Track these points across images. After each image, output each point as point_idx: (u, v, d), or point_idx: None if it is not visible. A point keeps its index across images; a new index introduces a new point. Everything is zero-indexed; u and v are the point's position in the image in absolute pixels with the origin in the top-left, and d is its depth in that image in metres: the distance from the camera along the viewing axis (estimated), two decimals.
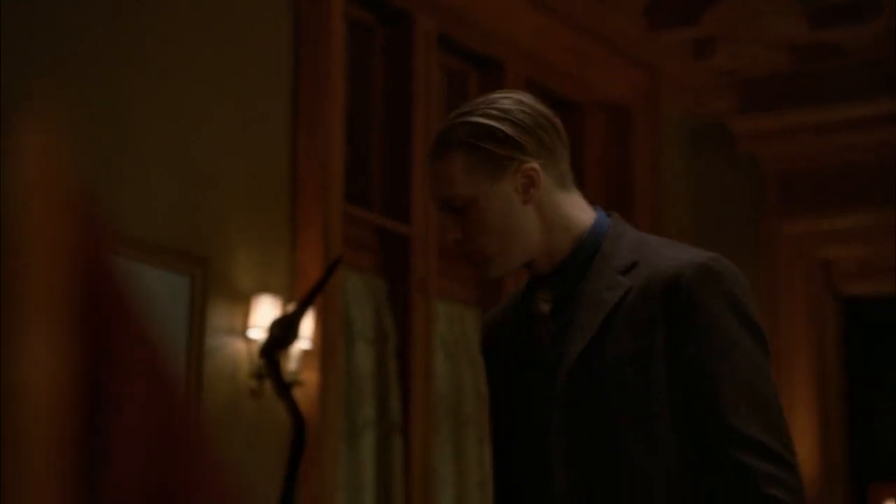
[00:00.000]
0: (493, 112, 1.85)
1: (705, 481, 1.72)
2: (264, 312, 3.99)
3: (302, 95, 4.33)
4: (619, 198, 5.81)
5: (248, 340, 4.02)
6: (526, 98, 1.89)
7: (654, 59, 5.92)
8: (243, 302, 4.03)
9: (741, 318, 1.73)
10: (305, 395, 4.08)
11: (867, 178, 5.78)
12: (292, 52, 4.33)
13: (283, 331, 3.44)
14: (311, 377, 4.18)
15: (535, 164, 1.81)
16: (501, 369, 1.91)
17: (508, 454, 1.88)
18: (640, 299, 1.75)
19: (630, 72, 5.91)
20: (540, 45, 5.48)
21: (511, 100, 1.87)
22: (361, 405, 4.53)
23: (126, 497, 0.56)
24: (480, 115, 1.83)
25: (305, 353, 4.16)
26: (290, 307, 3.77)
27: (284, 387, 3.48)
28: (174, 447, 0.58)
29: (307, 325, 4.09)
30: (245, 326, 4.03)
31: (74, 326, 0.55)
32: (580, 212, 1.86)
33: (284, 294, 4.13)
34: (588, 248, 1.82)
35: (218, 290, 3.96)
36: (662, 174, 5.99)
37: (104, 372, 0.56)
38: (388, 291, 4.78)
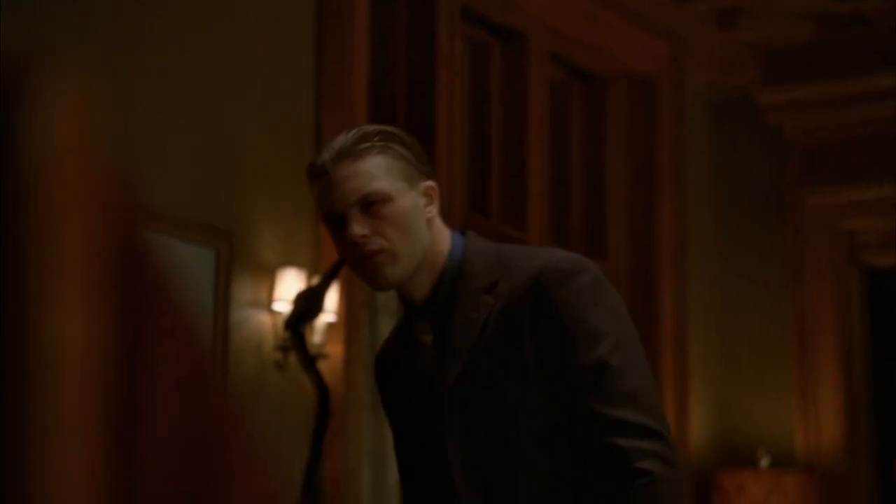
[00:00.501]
0: (396, 132, 1.96)
1: (592, 469, 1.82)
2: (289, 286, 4.01)
3: (325, 68, 4.33)
4: (642, 171, 5.80)
5: (273, 313, 4.04)
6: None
7: (679, 30, 5.89)
8: (268, 275, 4.05)
9: (600, 307, 1.84)
10: (330, 367, 4.10)
11: (893, 150, 5.74)
12: (315, 25, 4.33)
13: (308, 304, 3.45)
14: (335, 350, 4.20)
15: (434, 184, 1.94)
16: (396, 400, 2.04)
17: (413, 473, 2.03)
18: (505, 312, 1.86)
19: (654, 43, 5.88)
20: (563, 16, 5.46)
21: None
22: None
23: (160, 459, 0.56)
24: (386, 131, 1.94)
25: (330, 326, 4.18)
26: (315, 280, 3.78)
27: (309, 359, 3.49)
28: (208, 410, 0.59)
29: (331, 299, 4.11)
30: (270, 300, 4.05)
31: (107, 291, 0.55)
32: (446, 238, 1.96)
33: (309, 267, 4.14)
34: (451, 274, 1.92)
35: (243, 263, 3.98)
36: (686, 147, 5.97)
37: (137, 337, 0.57)
38: None
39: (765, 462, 5.67)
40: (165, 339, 0.59)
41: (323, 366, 3.89)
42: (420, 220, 1.91)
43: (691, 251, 5.93)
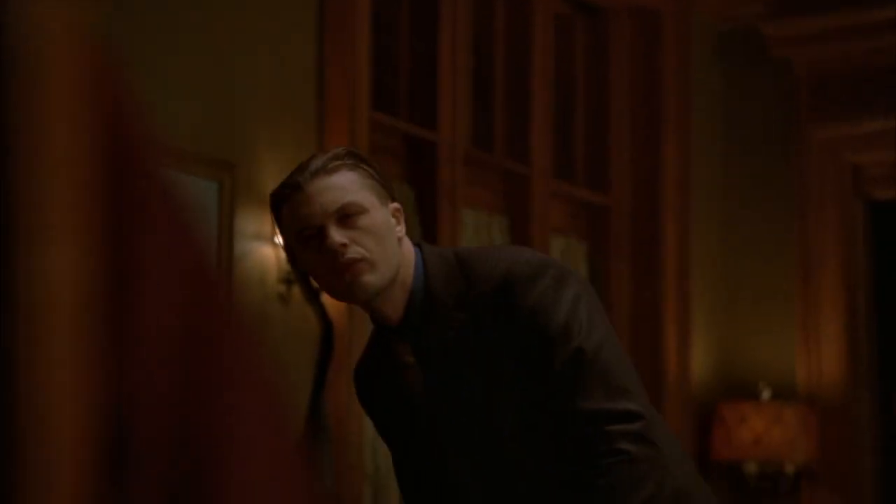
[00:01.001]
0: (364, 155, 2.04)
1: (577, 458, 1.91)
2: None
3: (329, 1, 4.30)
4: (646, 106, 5.77)
5: (277, 246, 4.05)
6: None
7: None
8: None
9: (566, 303, 1.91)
10: (333, 301, 4.11)
11: None
12: None
13: None
14: None
15: (400, 206, 2.03)
16: (387, 420, 2.14)
17: (418, 491, 2.15)
18: (475, 322, 1.93)
19: None
20: None
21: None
22: None
23: (155, 350, 0.56)
24: (355, 152, 2.02)
25: None
26: None
27: (313, 292, 3.51)
28: (205, 302, 0.59)
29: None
30: (273, 232, 4.05)
31: (100, 187, 0.55)
32: (412, 258, 2.02)
33: None
34: (419, 292, 1.99)
35: (246, 196, 3.98)
36: (691, 80, 5.93)
37: (132, 233, 0.57)
38: (414, 199, 4.78)
39: (766, 394, 5.70)
40: (161, 233, 0.59)
41: (326, 299, 3.90)
42: (393, 236, 1.98)
43: (695, 185, 5.92)
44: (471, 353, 1.94)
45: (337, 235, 1.92)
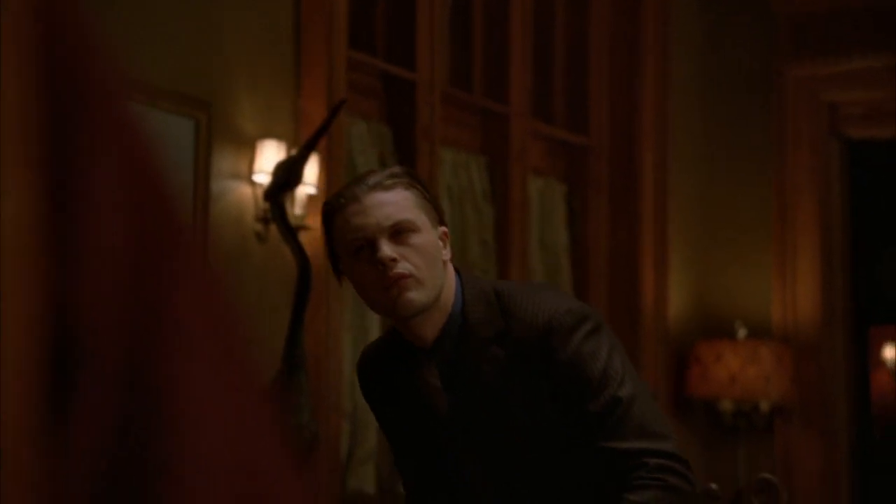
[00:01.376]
0: (419, 177, 2.10)
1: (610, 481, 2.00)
2: (269, 157, 4.00)
3: None
4: (625, 46, 5.76)
5: (254, 185, 4.05)
6: None
7: None
8: (248, 147, 4.04)
9: (605, 350, 1.99)
10: (311, 239, 4.11)
11: (880, 21, 5.70)
12: None
13: (287, 174, 3.46)
14: (317, 222, 4.21)
15: (447, 230, 2.08)
16: (397, 425, 2.17)
17: (422, 496, 2.17)
18: (515, 362, 2.00)
19: None
20: None
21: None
22: None
23: (101, 263, 0.55)
24: (412, 173, 2.08)
25: (311, 199, 4.19)
26: (294, 152, 3.78)
27: (290, 230, 3.51)
28: (152, 207, 0.58)
29: (312, 171, 4.10)
30: (250, 171, 4.05)
31: (46, 116, 0.54)
32: (453, 283, 2.07)
33: (289, 139, 4.14)
34: (456, 318, 2.05)
35: (222, 134, 3.97)
36: (671, 21, 5.92)
37: (74, 129, 0.56)
38: (392, 138, 4.78)
39: (742, 333, 5.75)
40: (115, 157, 0.58)
41: (304, 238, 3.90)
42: (440, 258, 2.04)
43: (674, 126, 5.92)
44: (503, 389, 2.01)
45: (388, 249, 1.98)
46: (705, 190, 6.07)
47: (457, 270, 2.10)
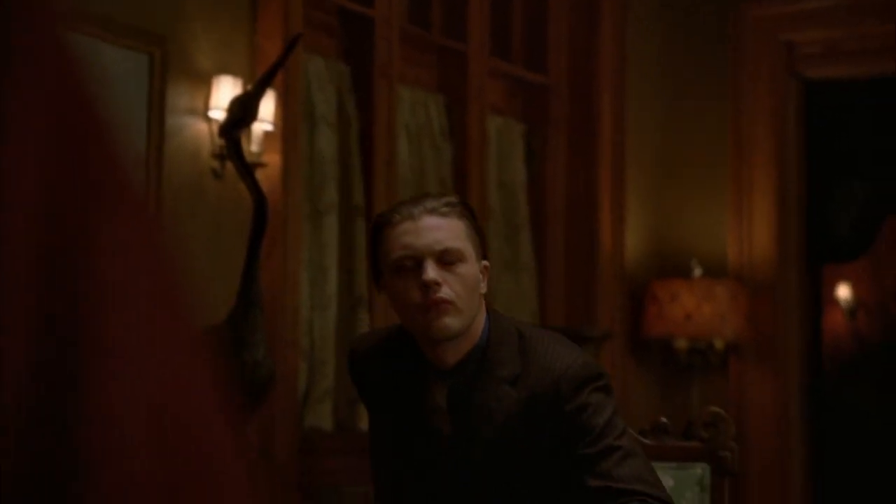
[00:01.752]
0: (473, 210, 2.17)
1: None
2: (225, 93, 3.97)
3: None
4: None
5: (210, 121, 4.01)
6: None
7: None
8: (203, 82, 4.00)
9: (609, 406, 2.08)
10: (268, 176, 4.09)
11: None
12: None
13: (243, 110, 3.43)
14: (273, 159, 4.19)
15: (488, 265, 2.16)
16: (385, 429, 2.20)
17: (390, 481, 2.21)
18: (526, 405, 2.09)
19: None
20: None
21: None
22: (324, 189, 4.55)
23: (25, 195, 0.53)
24: (467, 204, 2.16)
25: (267, 135, 4.16)
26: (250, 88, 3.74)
27: (245, 166, 3.49)
28: (84, 139, 0.55)
29: (268, 107, 4.07)
30: (206, 107, 4.01)
31: None
32: (483, 317, 2.16)
33: (245, 75, 4.10)
34: (478, 353, 2.13)
35: (177, 69, 3.92)
36: None
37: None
38: (350, 76, 4.74)
39: (697, 272, 5.79)
40: (33, 57, 0.54)
41: (260, 175, 3.88)
42: (478, 290, 2.13)
43: (632, 66, 5.92)
44: (507, 427, 2.09)
45: (434, 273, 2.06)
46: (663, 129, 6.08)
47: (488, 309, 2.18)
